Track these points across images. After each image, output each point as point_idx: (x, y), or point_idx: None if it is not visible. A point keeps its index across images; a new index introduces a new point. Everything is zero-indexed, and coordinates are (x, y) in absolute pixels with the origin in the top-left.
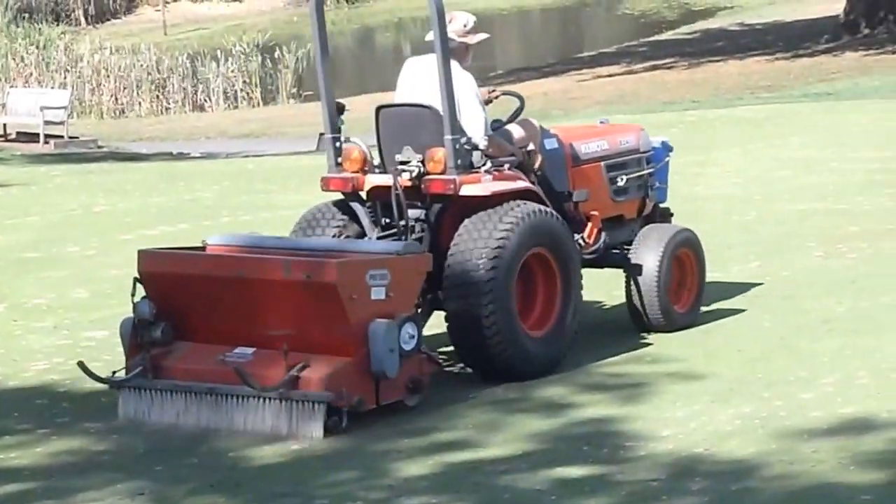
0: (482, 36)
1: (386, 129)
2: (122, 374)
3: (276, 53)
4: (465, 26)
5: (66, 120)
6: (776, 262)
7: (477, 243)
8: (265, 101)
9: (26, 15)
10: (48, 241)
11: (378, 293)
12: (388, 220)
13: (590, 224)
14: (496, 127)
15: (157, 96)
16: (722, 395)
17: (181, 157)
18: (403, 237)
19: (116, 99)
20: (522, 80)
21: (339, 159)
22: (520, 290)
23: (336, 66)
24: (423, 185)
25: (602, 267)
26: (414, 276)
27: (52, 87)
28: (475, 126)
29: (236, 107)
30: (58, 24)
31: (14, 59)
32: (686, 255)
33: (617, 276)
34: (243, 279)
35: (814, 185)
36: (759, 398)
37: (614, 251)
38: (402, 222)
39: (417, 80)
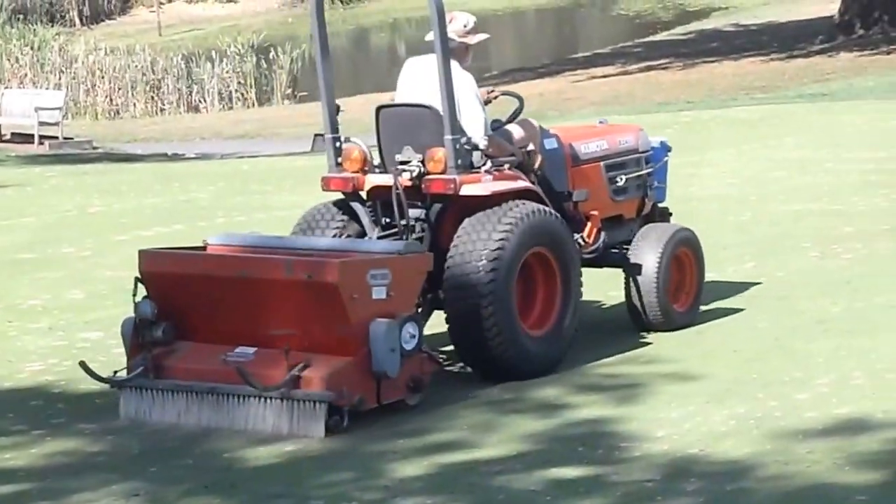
0: (482, 36)
1: (386, 129)
2: (123, 374)
3: (271, 54)
4: (465, 26)
5: (60, 121)
6: (771, 262)
7: (477, 243)
8: (260, 102)
9: (21, 16)
10: (43, 242)
11: (379, 293)
12: (388, 220)
13: (589, 224)
14: (496, 127)
15: (152, 97)
16: (717, 395)
17: (176, 157)
18: (404, 237)
19: (111, 100)
20: (517, 81)
21: (340, 159)
22: (520, 290)
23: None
24: (423, 185)
25: (601, 266)
26: (415, 275)
27: (47, 88)
28: (475, 126)
29: (231, 108)
30: (52, 25)
31: (9, 59)
32: (685, 254)
33: (612, 276)
34: (245, 279)
35: (809, 185)
36: (754, 399)
37: (613, 251)
38: (403, 222)
39: (417, 80)
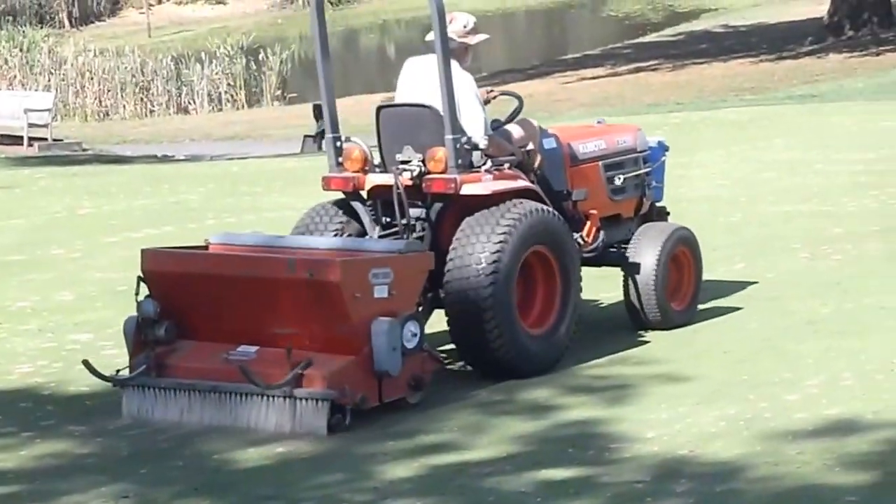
0: (482, 37)
1: (386, 129)
2: (125, 373)
3: (261, 56)
4: (465, 27)
5: (50, 122)
6: (761, 263)
7: (478, 242)
8: (249, 104)
9: (10, 17)
10: (32, 243)
11: (381, 291)
12: (388, 219)
13: (588, 223)
14: (495, 127)
15: (142, 99)
16: (707, 396)
17: (166, 159)
18: (405, 236)
19: (100, 101)
20: (507, 82)
21: (340, 159)
22: (520, 289)
23: None
24: (423, 185)
25: (600, 265)
26: (416, 274)
27: (36, 90)
28: (475, 126)
29: (220, 109)
30: (41, 27)
31: None
32: (683, 253)
33: (608, 276)
34: (246, 278)
35: (798, 186)
36: (744, 400)
37: (612, 250)
38: (404, 221)
39: (417, 80)
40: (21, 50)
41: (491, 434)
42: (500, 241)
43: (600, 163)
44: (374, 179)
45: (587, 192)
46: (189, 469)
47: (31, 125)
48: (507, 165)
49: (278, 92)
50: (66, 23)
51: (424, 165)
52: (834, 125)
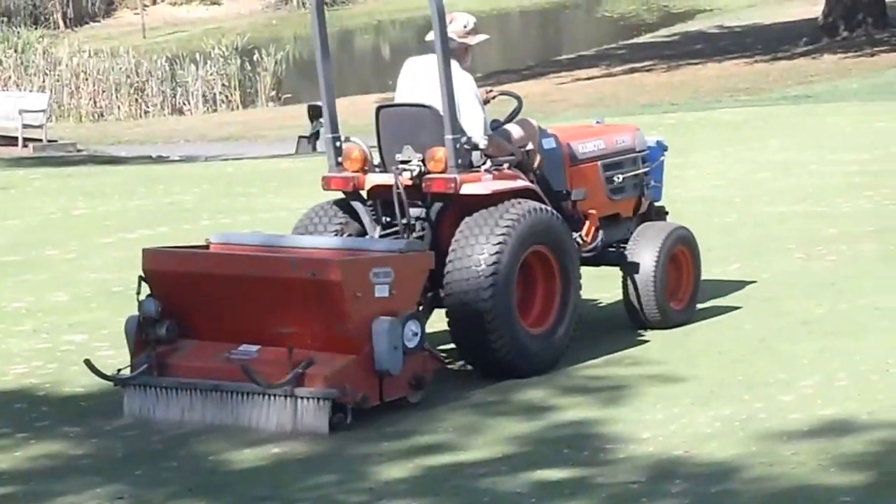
0: (482, 37)
1: (386, 129)
2: (127, 372)
3: (255, 56)
4: (465, 27)
5: (44, 123)
6: (756, 264)
7: (478, 242)
8: (244, 105)
9: (4, 18)
10: (27, 244)
11: (382, 291)
12: (388, 219)
13: (587, 223)
14: (495, 127)
15: (136, 99)
16: (702, 397)
17: (160, 160)
18: (405, 236)
19: (95, 102)
20: (501, 83)
21: (340, 159)
22: (519, 288)
23: (316, 69)
24: (423, 184)
25: (599, 265)
26: (417, 273)
27: (31, 91)
28: (475, 126)
29: (215, 110)
30: (36, 28)
31: None
32: (682, 252)
33: (606, 276)
34: (248, 277)
35: (793, 187)
36: (739, 400)
37: (611, 249)
38: (404, 221)
39: (417, 80)
40: (16, 51)
41: (486, 435)
42: (500, 241)
43: (599, 162)
44: (374, 179)
45: (586, 191)
46: (184, 470)
47: (25, 126)
48: (506, 165)
49: (273, 93)
50: (61, 23)
51: (424, 165)
52: (829, 126)
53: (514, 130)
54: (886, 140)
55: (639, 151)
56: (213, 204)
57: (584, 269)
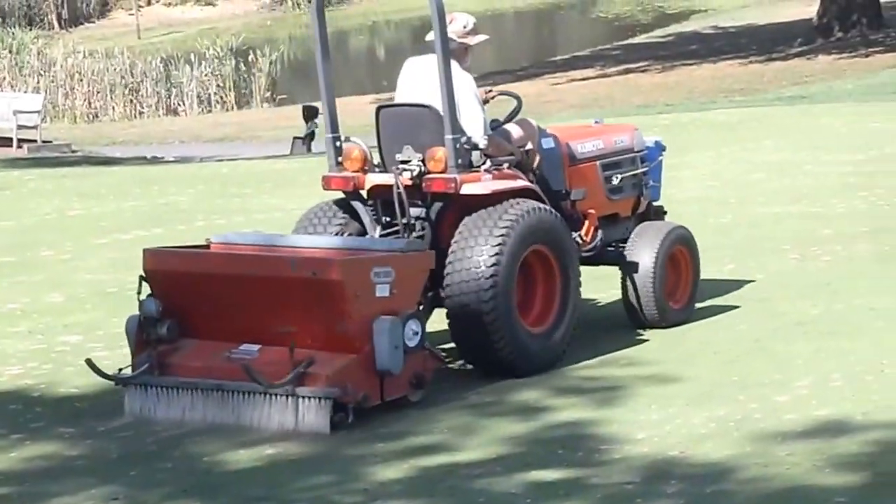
0: (482, 37)
1: (386, 129)
2: (128, 372)
3: (250, 57)
4: (465, 27)
5: (39, 124)
6: (751, 264)
7: (478, 241)
8: (239, 105)
9: None
10: (22, 245)
11: (382, 290)
12: (388, 219)
13: (587, 222)
14: (494, 127)
15: (131, 100)
16: (697, 397)
17: (155, 161)
18: (405, 235)
19: (90, 103)
20: (496, 84)
21: (340, 158)
22: (519, 288)
23: (312, 69)
24: (423, 184)
25: (598, 264)
26: (417, 273)
27: (26, 92)
28: (475, 126)
29: (210, 111)
30: (31, 29)
31: None
32: (681, 252)
33: (604, 276)
34: (249, 277)
35: (788, 187)
36: (734, 401)
37: (610, 249)
38: (404, 220)
39: (417, 80)
40: (10, 52)
41: (481, 435)
42: (500, 241)
43: (598, 162)
44: (374, 179)
45: (585, 191)
46: (179, 471)
47: (20, 127)
48: (506, 165)
49: (268, 93)
50: (56, 24)
51: (424, 165)
52: (823, 126)
53: (514, 130)
54: (881, 140)
55: (637, 151)
56: (207, 205)
57: (583, 269)
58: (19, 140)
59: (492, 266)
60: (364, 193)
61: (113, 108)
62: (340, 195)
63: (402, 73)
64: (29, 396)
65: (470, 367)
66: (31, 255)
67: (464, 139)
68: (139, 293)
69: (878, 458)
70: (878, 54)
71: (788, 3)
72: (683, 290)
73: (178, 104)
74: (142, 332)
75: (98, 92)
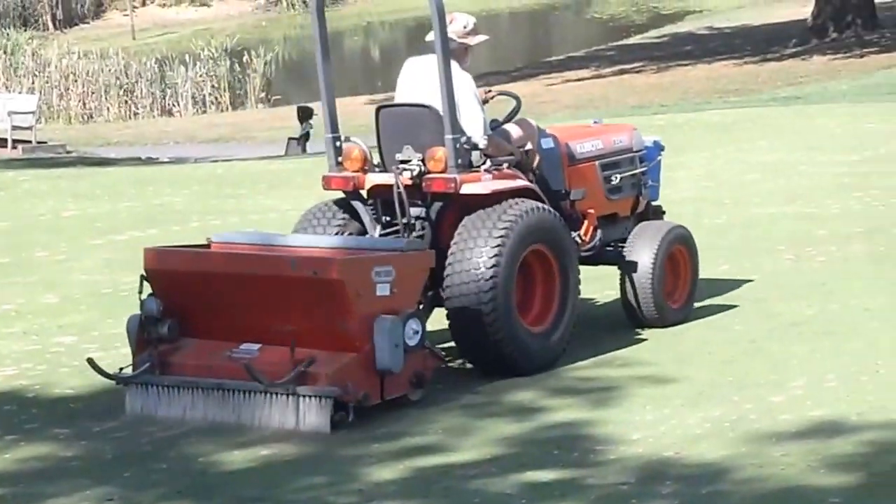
0: (482, 37)
1: (386, 129)
2: (129, 371)
3: (245, 58)
4: (465, 27)
5: (34, 125)
6: (746, 265)
7: (477, 241)
8: (234, 106)
9: None
10: (17, 246)
11: (383, 289)
12: (388, 219)
13: (586, 222)
14: (494, 127)
15: (126, 101)
16: (692, 398)
17: (150, 161)
18: (405, 235)
19: (84, 104)
20: (491, 84)
21: (340, 158)
22: (519, 287)
23: (306, 70)
24: (423, 184)
25: (598, 264)
26: (417, 272)
27: (20, 92)
28: (475, 126)
29: (205, 111)
30: (25, 29)
31: None
32: (679, 251)
33: (603, 275)
34: (249, 276)
35: (783, 188)
36: (729, 401)
37: (609, 248)
38: (404, 220)
39: (417, 81)
40: (5, 52)
41: (476, 436)
42: (500, 240)
43: (597, 162)
44: (374, 179)
45: (585, 191)
46: (174, 471)
47: (14, 127)
48: (505, 165)
49: (262, 94)
50: (50, 25)
51: (424, 165)
52: (818, 127)
53: (514, 130)
54: (876, 141)
55: (636, 151)
56: (202, 205)
57: (582, 269)
58: (14, 141)
59: (491, 266)
60: (364, 193)
61: (108, 108)
62: (340, 195)
63: (402, 73)
64: (23, 397)
65: (469, 366)
66: (25, 256)
67: (464, 139)
68: (140, 292)
69: (872, 459)
70: (872, 55)
71: (783, 4)
72: (682, 290)
73: (173, 105)
74: (143, 332)
75: (93, 93)
